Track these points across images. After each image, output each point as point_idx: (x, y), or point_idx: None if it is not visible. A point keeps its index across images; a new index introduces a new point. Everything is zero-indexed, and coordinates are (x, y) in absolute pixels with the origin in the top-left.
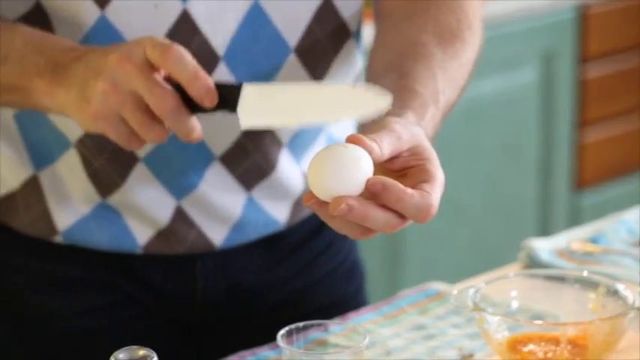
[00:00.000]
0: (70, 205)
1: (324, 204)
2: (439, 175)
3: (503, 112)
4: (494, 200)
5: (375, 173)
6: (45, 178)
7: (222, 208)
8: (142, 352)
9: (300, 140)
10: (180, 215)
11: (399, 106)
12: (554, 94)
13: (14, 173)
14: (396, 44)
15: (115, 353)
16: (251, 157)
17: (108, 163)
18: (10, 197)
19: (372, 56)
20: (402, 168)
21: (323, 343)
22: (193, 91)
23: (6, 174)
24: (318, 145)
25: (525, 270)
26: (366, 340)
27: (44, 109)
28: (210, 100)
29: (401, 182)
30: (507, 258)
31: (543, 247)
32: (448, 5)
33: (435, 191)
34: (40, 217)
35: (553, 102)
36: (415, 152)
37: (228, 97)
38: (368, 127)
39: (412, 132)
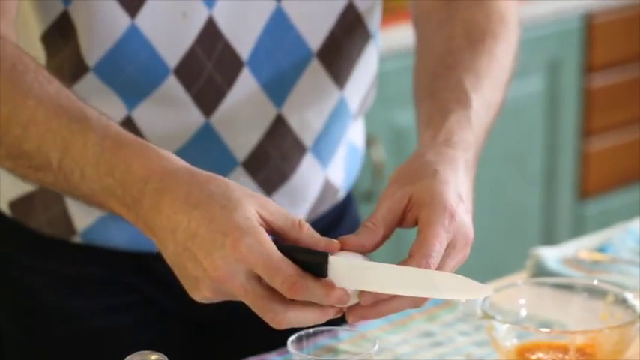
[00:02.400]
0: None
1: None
2: (433, 217)
3: (508, 121)
4: (499, 209)
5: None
6: None
7: None
8: (155, 356)
9: (323, 145)
10: None
11: (423, 125)
12: (559, 104)
13: None
14: (429, 61)
15: (128, 358)
16: (273, 162)
17: None
18: (29, 197)
19: (414, 74)
20: (415, 224)
21: (332, 350)
22: (327, 304)
23: None
24: (340, 152)
25: (533, 278)
26: (376, 346)
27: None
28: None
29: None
30: (512, 266)
31: (551, 255)
32: (478, 2)
33: (427, 240)
34: (58, 218)
35: (558, 111)
36: (415, 200)
37: (317, 266)
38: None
39: (411, 180)
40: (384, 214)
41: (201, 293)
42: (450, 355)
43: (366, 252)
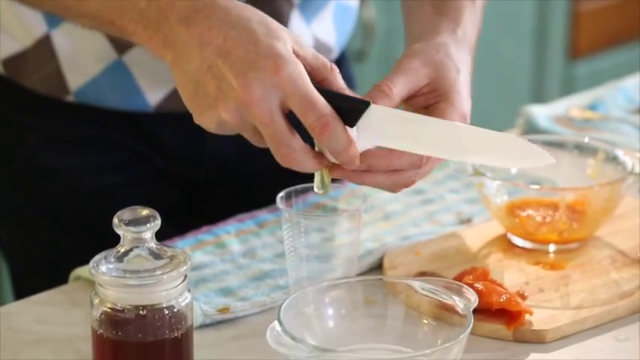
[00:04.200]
0: (83, 64)
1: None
2: (451, 113)
3: None
4: (490, 67)
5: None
6: (58, 36)
7: None
8: (146, 212)
9: (311, 1)
10: None
11: (434, 16)
12: None
13: (27, 31)
14: None
15: (119, 213)
16: None
17: None
18: (22, 55)
19: None
20: (425, 106)
21: (322, 207)
22: (339, 159)
23: (18, 32)
24: (328, 10)
25: (524, 136)
26: (365, 203)
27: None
28: (351, 166)
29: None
30: (502, 124)
31: (541, 113)
32: None
33: None
34: (51, 76)
35: None
36: (434, 87)
37: (351, 113)
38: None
39: (433, 62)
40: (402, 85)
41: (217, 115)
42: (440, 212)
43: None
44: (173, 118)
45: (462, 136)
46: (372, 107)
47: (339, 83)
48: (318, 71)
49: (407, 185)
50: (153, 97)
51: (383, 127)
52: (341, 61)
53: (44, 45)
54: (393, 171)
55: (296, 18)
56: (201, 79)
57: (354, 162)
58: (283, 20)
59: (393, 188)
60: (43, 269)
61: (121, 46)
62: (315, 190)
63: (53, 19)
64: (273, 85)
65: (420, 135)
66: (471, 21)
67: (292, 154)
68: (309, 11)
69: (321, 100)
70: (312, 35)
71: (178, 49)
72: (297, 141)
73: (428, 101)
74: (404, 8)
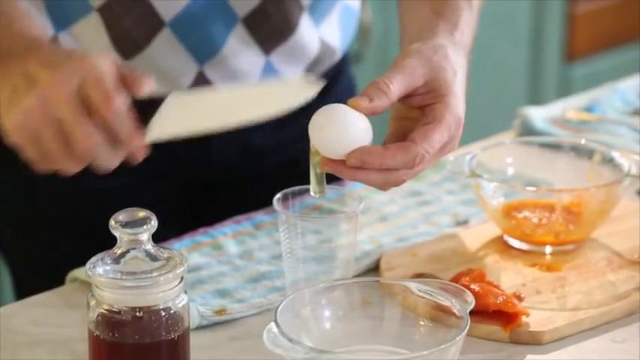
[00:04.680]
0: None
1: (338, 162)
2: (447, 115)
3: None
4: (486, 69)
5: (397, 111)
6: (64, 40)
7: (241, 72)
8: (142, 213)
9: (320, 4)
10: (200, 80)
11: (432, 18)
12: None
13: None
14: None
15: (115, 215)
16: (273, 20)
17: (134, 26)
18: None
19: None
20: (420, 106)
21: (318, 208)
22: (125, 147)
23: None
24: (335, 12)
25: (521, 137)
26: (361, 205)
27: None
28: (140, 154)
29: (420, 118)
30: (499, 126)
31: (538, 115)
32: None
33: (432, 134)
34: None
35: None
36: (431, 88)
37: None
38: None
39: (431, 63)
40: (399, 84)
41: (25, 104)
42: (436, 214)
43: (373, 113)
44: None
45: (247, 98)
46: (169, 99)
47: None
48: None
49: (397, 184)
50: None
51: (178, 115)
52: (343, 63)
53: None
54: (385, 169)
55: (305, 21)
56: (16, 82)
57: (139, 152)
58: (293, 23)
59: (384, 186)
60: (43, 270)
61: (127, 51)
62: (312, 193)
63: (60, 22)
64: (74, 70)
65: (207, 113)
66: (467, 23)
67: (86, 136)
68: (317, 13)
69: (112, 84)
70: (319, 38)
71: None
72: (91, 124)
73: (424, 101)
74: (400, 8)
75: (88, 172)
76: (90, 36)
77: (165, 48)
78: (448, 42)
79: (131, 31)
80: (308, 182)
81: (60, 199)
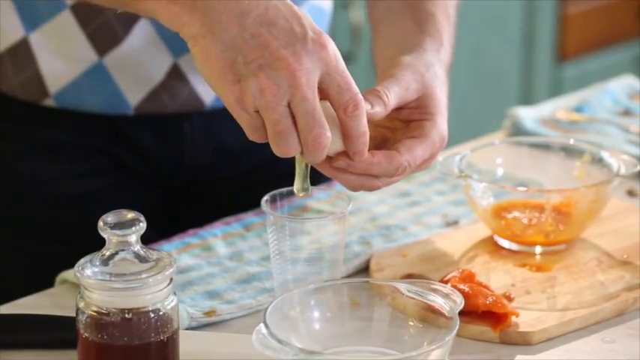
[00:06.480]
0: (62, 67)
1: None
2: (433, 133)
3: None
4: (478, 70)
5: (383, 121)
6: (36, 40)
7: None
8: (131, 215)
9: None
10: (175, 72)
11: (417, 32)
12: None
13: (4, 35)
14: None
15: (104, 217)
16: None
17: (115, 16)
18: None
19: None
20: (407, 120)
21: (307, 209)
22: (353, 145)
23: None
24: (302, 9)
25: (511, 138)
26: (350, 206)
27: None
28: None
29: (403, 131)
30: (490, 127)
31: (528, 115)
32: None
33: (417, 148)
34: (31, 80)
35: None
36: (421, 104)
37: None
38: (382, 72)
39: (423, 80)
40: (395, 94)
41: (257, 84)
42: (426, 214)
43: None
44: (153, 120)
45: None
46: None
47: None
48: None
49: (371, 189)
50: (133, 98)
51: None
52: None
53: (22, 48)
54: (365, 174)
55: None
56: (243, 47)
57: (365, 150)
58: None
59: (356, 188)
60: (19, 277)
61: (102, 47)
62: (296, 191)
63: (31, 22)
64: (320, 59)
65: None
66: (449, 42)
67: (324, 133)
68: None
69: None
70: None
71: (212, 17)
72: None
73: (411, 116)
74: (374, 12)
75: (63, 177)
76: (63, 34)
77: (142, 39)
78: (435, 59)
79: (112, 20)
80: (285, 184)
81: (37, 205)
